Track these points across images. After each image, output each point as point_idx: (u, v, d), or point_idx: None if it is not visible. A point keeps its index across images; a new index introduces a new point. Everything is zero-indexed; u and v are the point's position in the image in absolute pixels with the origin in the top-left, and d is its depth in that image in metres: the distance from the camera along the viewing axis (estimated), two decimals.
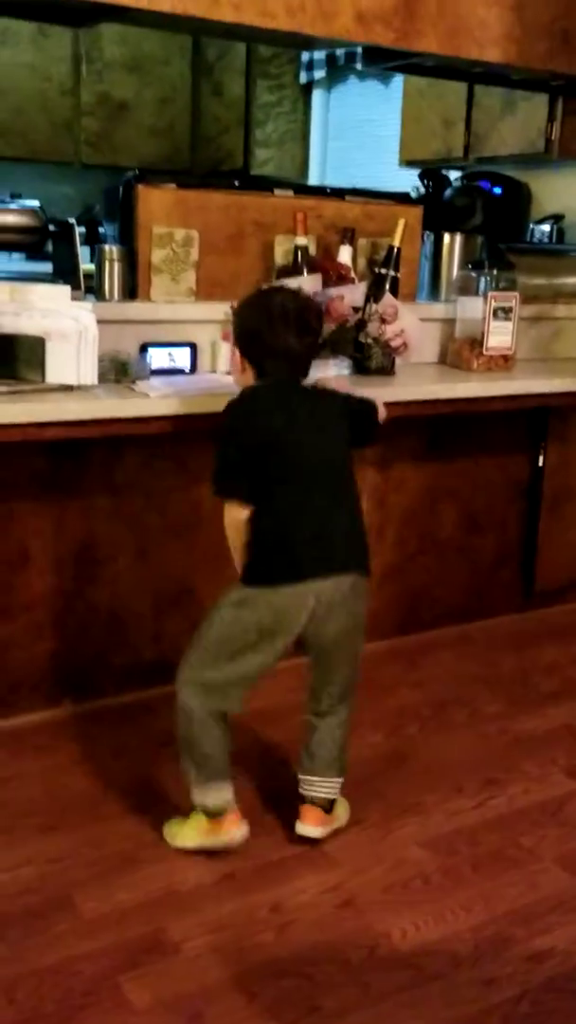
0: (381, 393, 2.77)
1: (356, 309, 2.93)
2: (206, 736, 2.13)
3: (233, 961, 1.87)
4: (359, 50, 5.22)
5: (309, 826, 2.24)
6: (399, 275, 3.03)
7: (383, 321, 2.95)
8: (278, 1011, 1.75)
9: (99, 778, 2.44)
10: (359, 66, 5.47)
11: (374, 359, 2.96)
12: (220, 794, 2.15)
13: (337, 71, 5.81)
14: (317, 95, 6.01)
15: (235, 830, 2.16)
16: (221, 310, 2.86)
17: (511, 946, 1.94)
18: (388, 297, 2.97)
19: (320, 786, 2.25)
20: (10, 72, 5.32)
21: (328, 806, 2.26)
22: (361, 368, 2.95)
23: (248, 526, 2.12)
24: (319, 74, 5.84)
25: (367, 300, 2.93)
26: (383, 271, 3.00)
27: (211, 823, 2.16)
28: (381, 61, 3.51)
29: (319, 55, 5.75)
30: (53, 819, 2.26)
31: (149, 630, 2.89)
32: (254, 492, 2.10)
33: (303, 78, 5.93)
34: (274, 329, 2.10)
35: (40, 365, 2.41)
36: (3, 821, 2.25)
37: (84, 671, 2.80)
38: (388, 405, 2.76)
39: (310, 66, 5.88)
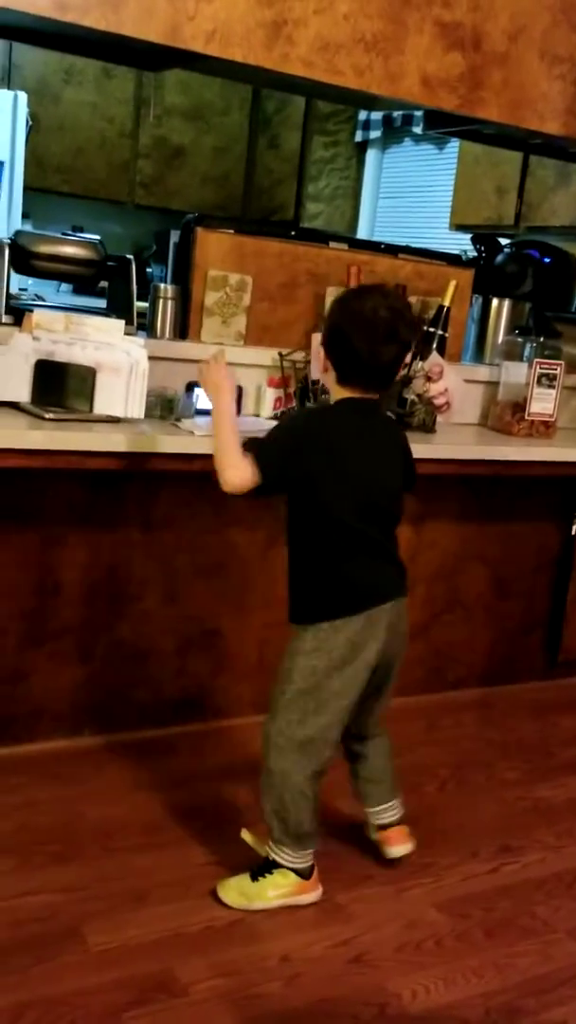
0: (422, 450, 2.79)
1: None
2: (303, 803, 2.11)
3: (240, 1008, 1.84)
4: (417, 114, 5.34)
5: (402, 846, 2.33)
6: (447, 335, 3.06)
7: (428, 379, 2.98)
8: None
9: (115, 811, 2.43)
10: (416, 129, 5.60)
11: (417, 416, 2.98)
12: (310, 856, 2.17)
13: (393, 132, 5.92)
14: (371, 154, 6.11)
15: (318, 886, 2.19)
16: (269, 356, 2.90)
17: (522, 1016, 1.90)
18: (435, 356, 3.00)
19: (395, 809, 2.33)
20: (74, 111, 5.45)
21: (402, 821, 2.35)
22: (403, 424, 2.97)
23: (305, 564, 2.12)
24: (375, 134, 5.94)
25: (414, 357, 2.96)
26: (431, 330, 3.02)
27: (300, 883, 2.16)
28: (441, 125, 3.56)
29: (376, 116, 5.86)
30: (67, 848, 2.25)
31: (172, 667, 2.89)
32: (301, 510, 2.09)
33: (359, 137, 6.04)
34: (360, 334, 2.03)
35: (89, 395, 2.43)
36: (18, 847, 2.24)
37: (106, 704, 2.80)
38: (428, 462, 2.80)
39: (366, 126, 5.99)
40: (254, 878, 2.15)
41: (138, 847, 2.30)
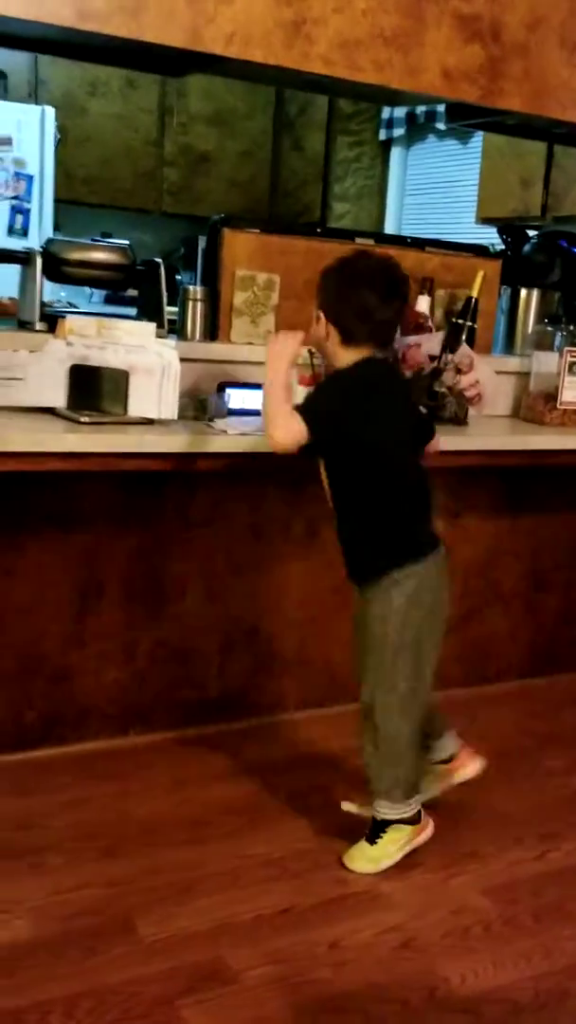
0: (453, 442, 2.81)
1: (432, 358, 2.96)
2: (411, 754, 2.27)
3: (291, 994, 1.86)
4: (440, 109, 5.35)
5: (472, 764, 2.47)
6: (476, 327, 3.07)
7: (459, 371, 2.98)
8: None
9: (161, 807, 2.46)
10: (439, 125, 5.60)
11: (448, 408, 2.98)
12: (416, 802, 2.30)
13: (416, 129, 5.93)
14: (395, 152, 6.12)
15: (429, 820, 2.33)
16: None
17: (571, 998, 1.91)
18: (464, 348, 3.00)
19: (453, 739, 2.47)
20: (100, 123, 5.51)
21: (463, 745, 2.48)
22: (434, 417, 2.97)
23: (362, 520, 2.22)
24: (398, 132, 5.95)
25: (443, 350, 2.97)
26: (460, 322, 3.03)
27: (414, 829, 2.29)
28: (464, 118, 3.58)
29: (399, 113, 5.88)
30: (115, 844, 2.28)
31: (214, 667, 2.92)
32: (350, 466, 2.18)
33: (382, 135, 6.05)
34: (366, 289, 2.14)
35: (123, 398, 2.47)
36: (67, 843, 2.28)
37: (149, 704, 2.83)
38: (460, 454, 2.81)
39: (390, 124, 6.00)
40: (372, 841, 2.28)
41: (185, 841, 2.33)
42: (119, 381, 2.45)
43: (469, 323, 3.04)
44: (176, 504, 2.77)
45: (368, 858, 2.27)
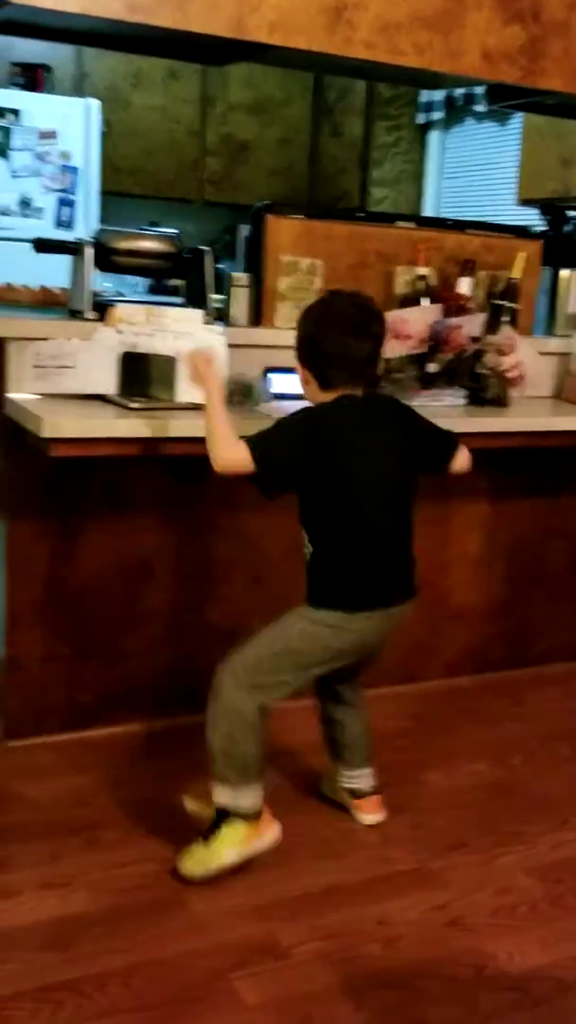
0: (495, 423, 2.81)
1: (474, 339, 2.97)
2: (254, 735, 2.11)
3: (341, 968, 1.89)
4: (478, 91, 5.32)
5: (373, 814, 2.38)
6: (517, 308, 3.07)
7: (500, 352, 2.99)
8: (385, 1020, 1.77)
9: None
10: (478, 107, 5.58)
11: (490, 390, 2.99)
12: (258, 794, 2.14)
13: (455, 112, 5.90)
14: (434, 136, 6.10)
15: (273, 824, 2.17)
16: None
17: None
18: (506, 329, 3.00)
19: (368, 776, 2.39)
20: (143, 114, 5.55)
21: (377, 790, 2.40)
22: (476, 399, 2.98)
23: (318, 549, 2.19)
24: (437, 115, 5.93)
25: (485, 331, 2.97)
26: (502, 303, 3.03)
27: (249, 827, 2.12)
28: (504, 99, 3.56)
29: (438, 97, 5.85)
30: (167, 821, 2.32)
31: None
32: (309, 505, 2.16)
33: (421, 119, 6.04)
34: (332, 334, 2.09)
35: (172, 384, 2.50)
36: (122, 820, 2.33)
37: (196, 686, 2.86)
38: (502, 435, 2.81)
39: (428, 107, 5.98)
40: (206, 839, 2.13)
41: None
42: (168, 367, 2.48)
43: (510, 304, 3.04)
44: (223, 487, 2.79)
45: (199, 860, 2.12)
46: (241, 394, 2.65)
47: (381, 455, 2.15)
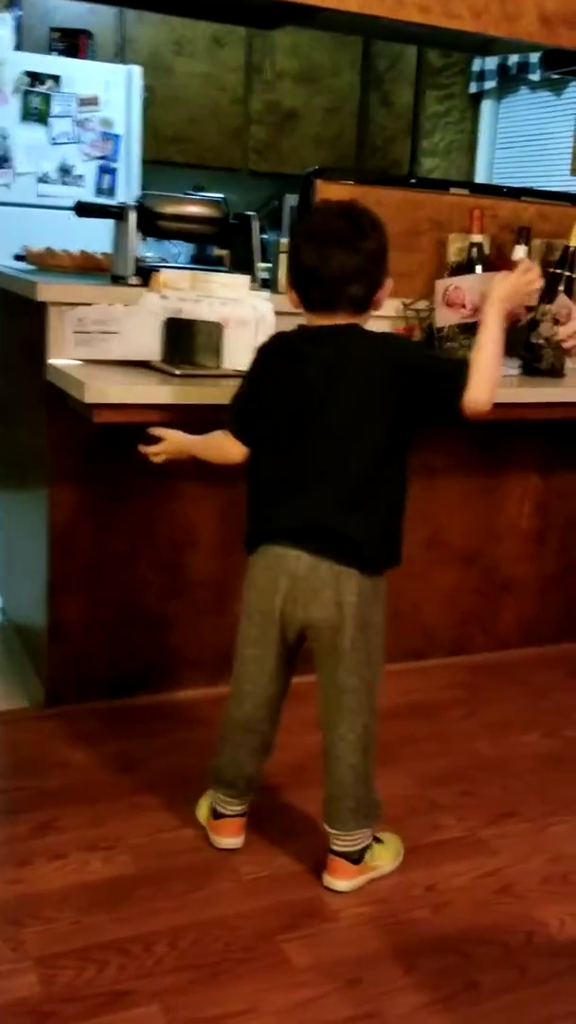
0: (550, 394, 2.76)
1: (529, 309, 2.92)
2: (220, 746, 2.11)
3: (390, 933, 1.89)
4: (532, 59, 5.23)
5: (342, 880, 2.00)
6: (574, 276, 3.01)
7: (556, 322, 2.93)
8: (436, 983, 1.76)
9: None
10: (532, 76, 5.48)
11: (545, 360, 2.93)
12: (223, 800, 2.11)
13: (508, 81, 5.81)
14: (486, 105, 6.01)
15: (225, 837, 2.11)
16: (392, 306, 2.90)
17: None
18: (563, 298, 2.95)
19: (339, 840, 1.99)
20: (186, 82, 5.51)
21: (358, 856, 2.01)
22: (531, 369, 2.93)
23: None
24: (489, 84, 5.84)
25: (540, 300, 2.91)
26: (558, 271, 2.97)
27: (208, 819, 2.15)
28: (561, 66, 3.50)
29: (490, 65, 5.76)
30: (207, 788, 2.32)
31: None
32: (252, 440, 1.99)
33: (473, 88, 5.95)
34: (312, 246, 1.86)
35: (217, 351, 2.48)
36: (169, 785, 2.33)
37: None
38: (558, 406, 2.76)
39: (481, 76, 5.89)
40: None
41: (284, 786, 2.35)
42: (213, 334, 2.46)
43: (567, 273, 2.98)
44: None
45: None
46: None
47: (329, 400, 1.86)
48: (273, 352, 1.98)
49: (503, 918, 1.95)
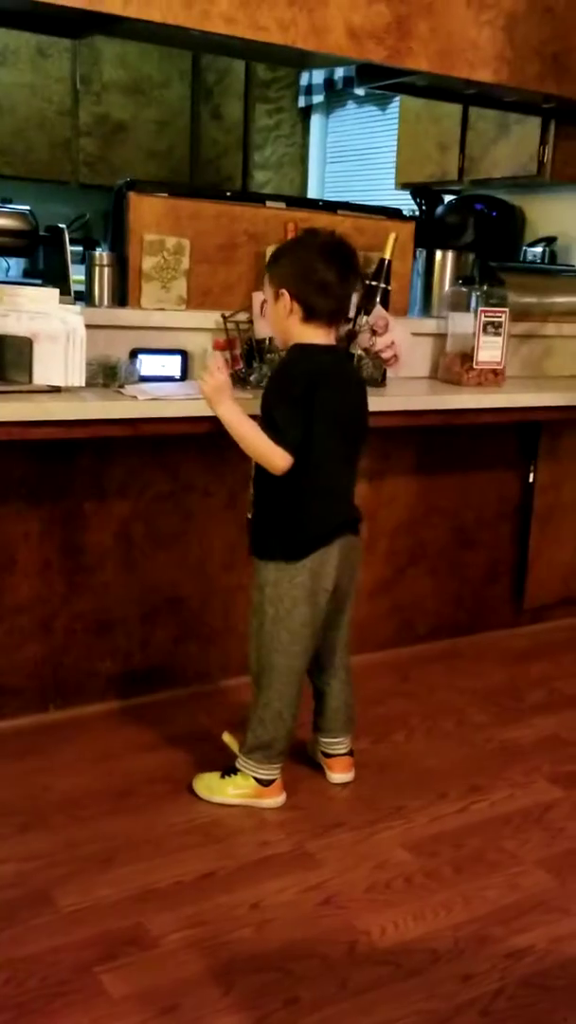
0: (373, 403, 2.79)
1: (347, 320, 2.95)
2: (279, 723, 2.37)
3: (211, 955, 1.86)
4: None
5: (344, 773, 2.51)
6: (390, 288, 3.06)
7: (374, 333, 2.97)
8: (255, 1002, 1.74)
9: (82, 781, 2.44)
10: (358, 91, 5.57)
11: (364, 370, 2.97)
12: (275, 770, 2.39)
13: (335, 96, 5.88)
14: (315, 119, 6.08)
15: (281, 793, 2.40)
16: (212, 318, 2.89)
17: (490, 944, 1.93)
18: (379, 309, 2.99)
19: (344, 744, 2.51)
20: (10, 92, 5.38)
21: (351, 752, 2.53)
22: None
23: (275, 502, 2.28)
24: (317, 98, 5.91)
25: (358, 312, 2.95)
26: (374, 283, 3.02)
27: (258, 788, 2.37)
28: (374, 79, 3.55)
29: (318, 80, 5.82)
30: (32, 819, 2.26)
31: (136, 638, 2.89)
32: (303, 455, 2.23)
33: (302, 102, 6.00)
34: (325, 263, 2.20)
35: (27, 366, 2.42)
36: None
37: (69, 677, 2.80)
38: (380, 415, 2.79)
39: (309, 91, 5.95)
40: (223, 775, 2.39)
41: (106, 813, 2.31)
42: (22, 349, 2.41)
43: (383, 285, 3.03)
44: (90, 473, 2.73)
45: (208, 786, 2.39)
46: (104, 376, 2.58)
47: (354, 410, 2.36)
48: (318, 376, 2.22)
49: (325, 931, 1.95)
